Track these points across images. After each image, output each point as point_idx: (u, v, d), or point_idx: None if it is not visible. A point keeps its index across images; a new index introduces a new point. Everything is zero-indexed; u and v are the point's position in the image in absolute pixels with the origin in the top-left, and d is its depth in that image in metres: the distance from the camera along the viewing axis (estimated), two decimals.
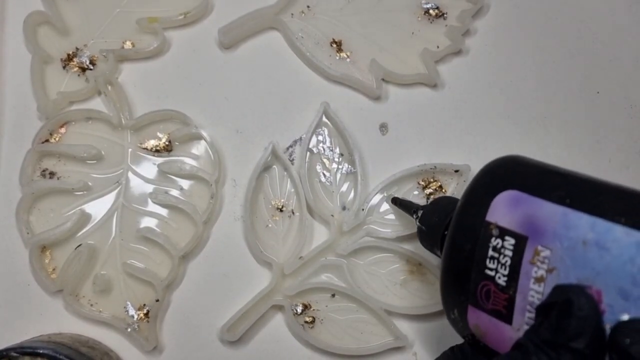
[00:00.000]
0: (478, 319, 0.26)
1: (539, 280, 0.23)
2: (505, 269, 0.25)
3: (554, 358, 0.21)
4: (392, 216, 0.38)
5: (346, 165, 0.39)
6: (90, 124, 0.39)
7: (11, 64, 0.40)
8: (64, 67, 0.39)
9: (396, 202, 0.37)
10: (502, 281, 0.25)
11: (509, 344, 0.24)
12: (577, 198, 0.24)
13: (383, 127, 0.40)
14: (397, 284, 0.37)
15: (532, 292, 0.24)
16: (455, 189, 0.38)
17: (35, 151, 0.37)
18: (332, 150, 0.39)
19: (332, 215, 0.38)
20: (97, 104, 0.39)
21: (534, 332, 0.22)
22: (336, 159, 0.39)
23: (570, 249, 0.23)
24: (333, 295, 0.37)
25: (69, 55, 0.39)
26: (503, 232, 0.25)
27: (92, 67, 0.39)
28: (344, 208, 0.38)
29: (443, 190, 0.38)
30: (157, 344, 0.36)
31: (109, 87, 0.39)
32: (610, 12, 0.43)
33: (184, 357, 0.36)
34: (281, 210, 0.38)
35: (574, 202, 0.24)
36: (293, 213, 0.38)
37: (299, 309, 0.36)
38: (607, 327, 0.21)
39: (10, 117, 0.39)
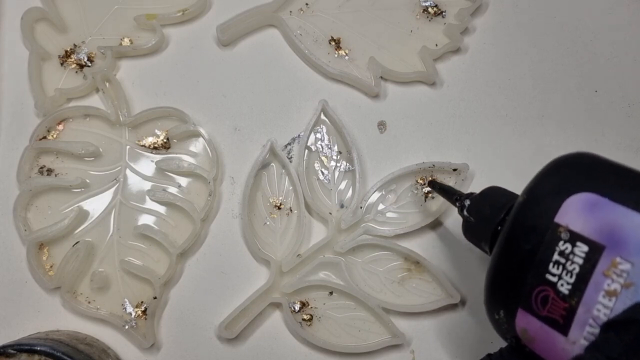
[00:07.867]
0: (528, 324, 0.25)
1: (611, 294, 0.22)
2: (571, 277, 0.23)
3: None
4: (390, 214, 0.38)
5: (344, 163, 0.39)
6: (88, 121, 0.39)
7: (9, 60, 0.40)
8: (61, 64, 0.39)
9: (434, 185, 0.36)
10: (564, 289, 0.23)
11: (561, 355, 0.23)
12: None
13: (381, 125, 0.40)
14: (394, 282, 0.37)
15: (600, 305, 0.22)
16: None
17: (33, 148, 0.37)
18: (330, 148, 0.39)
19: (330, 213, 0.38)
20: (95, 101, 0.39)
21: (598, 348, 0.21)
22: (334, 157, 0.39)
23: None
24: (331, 293, 0.37)
25: (66, 52, 0.39)
26: (575, 237, 0.23)
27: (90, 64, 0.39)
28: (342, 206, 0.38)
29: None
30: (154, 341, 0.36)
31: (107, 84, 0.39)
32: (609, 10, 0.43)
33: (182, 354, 0.36)
34: (279, 208, 0.38)
35: None
36: (291, 211, 0.38)
37: (297, 307, 0.36)
38: None
39: (7, 113, 0.39)
